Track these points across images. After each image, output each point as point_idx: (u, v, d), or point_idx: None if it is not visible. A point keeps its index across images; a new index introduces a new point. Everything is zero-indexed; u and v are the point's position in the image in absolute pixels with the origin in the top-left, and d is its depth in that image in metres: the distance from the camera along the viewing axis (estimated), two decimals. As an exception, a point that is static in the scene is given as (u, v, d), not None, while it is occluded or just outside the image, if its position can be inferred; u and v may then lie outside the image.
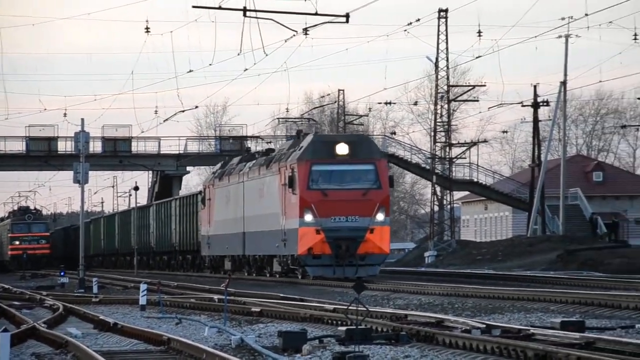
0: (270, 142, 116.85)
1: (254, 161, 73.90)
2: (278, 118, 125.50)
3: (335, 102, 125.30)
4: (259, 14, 54.14)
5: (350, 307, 30.42)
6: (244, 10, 52.15)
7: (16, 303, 52.86)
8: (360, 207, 56.01)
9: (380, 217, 56.71)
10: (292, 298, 45.31)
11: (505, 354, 25.03)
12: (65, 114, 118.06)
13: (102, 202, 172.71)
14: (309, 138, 60.76)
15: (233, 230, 72.84)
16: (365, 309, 30.54)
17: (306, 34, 58.43)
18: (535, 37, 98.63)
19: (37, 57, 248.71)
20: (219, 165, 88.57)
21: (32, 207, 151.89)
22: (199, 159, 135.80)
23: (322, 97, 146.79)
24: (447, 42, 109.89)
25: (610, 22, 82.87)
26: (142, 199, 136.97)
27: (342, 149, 57.86)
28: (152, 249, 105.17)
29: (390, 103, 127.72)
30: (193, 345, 26.83)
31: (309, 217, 55.09)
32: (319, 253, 55.22)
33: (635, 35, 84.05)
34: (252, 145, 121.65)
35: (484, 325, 29.48)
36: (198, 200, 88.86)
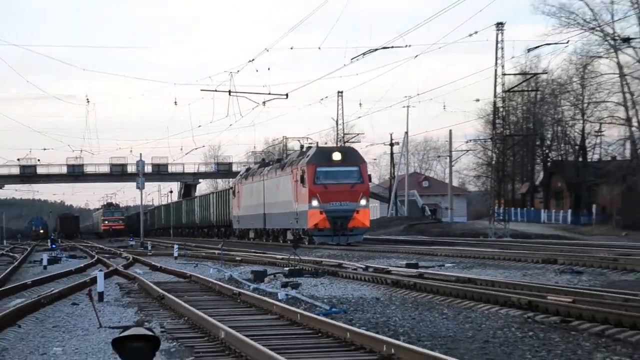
0: (245, 165, 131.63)
1: (269, 167, 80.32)
2: (252, 151, 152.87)
3: (281, 143, 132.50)
4: (238, 94, 73.64)
5: (291, 257, 40.81)
6: (229, 92, 72.04)
7: (106, 255, 64.60)
8: (349, 195, 61.79)
9: (363, 202, 63.66)
10: (261, 252, 54.35)
11: (376, 281, 31.97)
12: (131, 151, 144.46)
13: (152, 200, 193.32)
14: (313, 149, 66.89)
15: (256, 212, 79.62)
16: (298, 257, 40.95)
17: (264, 104, 76.27)
18: (391, 106, 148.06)
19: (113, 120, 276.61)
20: (243, 170, 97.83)
21: (113, 202, 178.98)
22: (205, 175, 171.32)
23: (274, 140, 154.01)
24: (342, 111, 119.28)
25: (431, 99, 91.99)
26: (174, 197, 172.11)
27: (337, 156, 63.93)
28: (197, 225, 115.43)
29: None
30: (204, 278, 34.29)
31: (315, 203, 60.79)
32: (322, 227, 61.11)
33: (444, 106, 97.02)
34: (235, 166, 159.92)
35: (364, 266, 37.60)
36: (230, 193, 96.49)
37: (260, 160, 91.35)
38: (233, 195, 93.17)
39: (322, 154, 64.32)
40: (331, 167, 62.90)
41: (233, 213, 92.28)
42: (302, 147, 77.33)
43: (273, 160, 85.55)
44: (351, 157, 66.49)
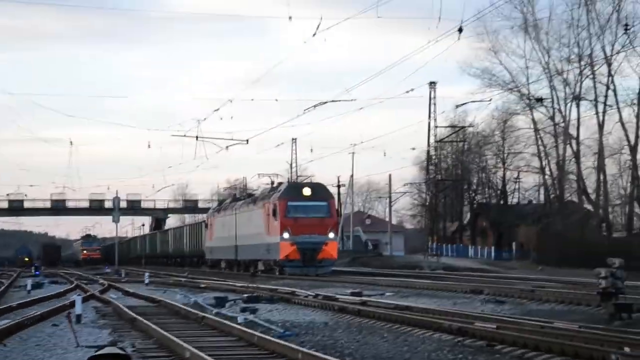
0: (209, 203, 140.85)
1: (241, 201, 76.85)
2: (217, 191, 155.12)
3: (242, 184, 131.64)
4: (204, 139, 73.62)
5: (249, 285, 42.18)
6: (197, 137, 72.62)
7: (84, 281, 61.93)
8: (318, 229, 58.50)
9: (331, 235, 60.03)
10: (222, 280, 54.16)
11: (324, 307, 31.34)
12: (108, 188, 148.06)
13: (126, 232, 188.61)
14: (284, 185, 65.02)
15: (228, 243, 74.91)
16: (255, 285, 39.16)
17: (227, 148, 75.96)
18: (338, 152, 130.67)
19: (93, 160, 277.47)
20: (216, 204, 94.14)
21: (91, 234, 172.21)
22: (174, 211, 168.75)
23: (236, 180, 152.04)
24: (296, 155, 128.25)
25: (373, 146, 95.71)
26: (146, 230, 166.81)
27: (307, 191, 60.84)
28: (170, 254, 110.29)
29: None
30: (171, 303, 33.25)
31: (286, 235, 57.36)
32: (292, 258, 57.61)
33: (385, 153, 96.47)
34: (200, 203, 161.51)
35: (314, 294, 36.34)
36: (202, 226, 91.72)
37: (231, 196, 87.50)
38: (206, 228, 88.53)
39: (293, 189, 61.93)
40: (301, 202, 59.68)
41: (206, 244, 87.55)
42: (272, 182, 74.04)
43: (244, 195, 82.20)
44: (320, 192, 63.42)
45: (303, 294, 36.27)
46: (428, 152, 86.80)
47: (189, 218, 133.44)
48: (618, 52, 76.03)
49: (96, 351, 7.34)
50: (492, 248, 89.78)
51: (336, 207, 66.71)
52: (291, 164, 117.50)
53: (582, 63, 78.70)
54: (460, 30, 39.05)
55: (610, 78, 77.36)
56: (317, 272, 56.78)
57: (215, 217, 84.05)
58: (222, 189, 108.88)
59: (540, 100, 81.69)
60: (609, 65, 76.68)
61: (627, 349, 15.89)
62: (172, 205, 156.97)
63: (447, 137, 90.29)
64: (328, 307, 30.33)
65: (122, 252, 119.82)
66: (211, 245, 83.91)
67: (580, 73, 79.06)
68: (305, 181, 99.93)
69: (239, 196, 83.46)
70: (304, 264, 57.23)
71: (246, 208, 71.29)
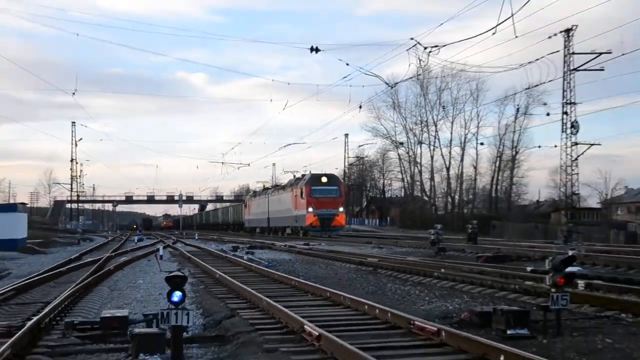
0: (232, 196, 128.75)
1: (271, 189, 66.96)
2: (236, 190, 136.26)
3: (264, 182, 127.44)
4: (226, 163, 70.30)
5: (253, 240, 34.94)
6: (222, 162, 69.59)
7: (164, 238, 58.23)
8: (332, 205, 50.46)
9: (341, 209, 52.34)
10: (235, 237, 52.87)
11: (289, 251, 29.89)
12: (176, 189, 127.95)
13: (186, 213, 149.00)
14: (308, 175, 55.24)
15: (262, 216, 65.66)
16: (255, 240, 37.05)
17: (238, 168, 73.28)
18: (299, 170, 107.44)
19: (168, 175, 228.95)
20: (251, 192, 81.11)
21: (168, 213, 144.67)
22: (210, 201, 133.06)
23: (242, 185, 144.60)
24: (275, 173, 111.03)
25: (314, 166, 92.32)
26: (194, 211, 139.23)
27: (324, 179, 52.66)
28: (219, 224, 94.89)
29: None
30: (209, 249, 31.01)
31: (310, 209, 49.80)
32: (315, 225, 49.81)
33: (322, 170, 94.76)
34: (224, 197, 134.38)
35: (285, 244, 34.29)
36: (242, 206, 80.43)
37: (263, 187, 74.23)
38: (244, 207, 77.54)
39: (315, 178, 53.02)
40: (321, 187, 51.47)
41: (244, 218, 76.59)
42: (294, 176, 63.12)
43: (273, 186, 70.79)
44: (333, 179, 54.93)
45: (279, 244, 34.81)
46: (344, 170, 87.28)
47: (219, 205, 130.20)
48: (439, 119, 78.64)
49: (169, 273, 7.77)
50: (377, 220, 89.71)
51: (343, 190, 58.02)
52: (273, 177, 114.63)
53: (422, 125, 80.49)
54: (360, 107, 39.50)
55: (436, 132, 79.53)
56: (331, 234, 49.60)
57: (251, 200, 73.95)
58: (256, 183, 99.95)
59: (401, 143, 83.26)
60: (435, 125, 78.96)
61: (442, 270, 16.30)
62: (209, 198, 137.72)
63: (353, 163, 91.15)
64: (291, 251, 29.74)
65: (185, 223, 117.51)
66: (249, 218, 73.83)
67: (421, 130, 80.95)
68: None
69: (267, 187, 72.56)
70: (322, 229, 49.92)
71: (276, 193, 62.16)
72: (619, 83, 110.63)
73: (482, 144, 75.53)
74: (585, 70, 39.32)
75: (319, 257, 25.07)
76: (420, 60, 24.65)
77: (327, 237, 47.60)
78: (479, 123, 75.55)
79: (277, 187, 65.42)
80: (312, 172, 56.17)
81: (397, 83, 38.68)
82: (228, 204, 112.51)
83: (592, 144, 41.06)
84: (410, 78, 38.13)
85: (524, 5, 24.99)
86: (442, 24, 76.03)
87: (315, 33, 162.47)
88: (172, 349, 7.27)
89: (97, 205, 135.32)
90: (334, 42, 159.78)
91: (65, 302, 11.60)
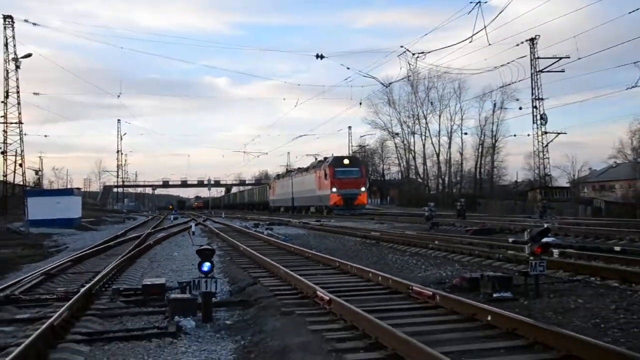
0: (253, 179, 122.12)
1: (294, 171, 61.07)
2: (256, 176, 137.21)
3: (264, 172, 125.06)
4: (247, 152, 65.77)
5: (272, 217, 34.74)
6: (244, 152, 62.77)
7: (196, 216, 57.27)
8: (355, 185, 45.59)
9: (363, 189, 47.22)
10: (257, 216, 45.45)
11: (304, 227, 29.32)
12: (205, 175, 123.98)
13: (215, 194, 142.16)
14: (331, 157, 49.88)
15: (286, 197, 59.63)
16: (274, 217, 36.93)
17: (258, 157, 65.58)
18: (310, 156, 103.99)
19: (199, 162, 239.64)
20: (275, 175, 75.61)
21: (199, 195, 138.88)
22: (234, 185, 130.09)
23: (261, 171, 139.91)
24: (289, 160, 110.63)
25: (323, 152, 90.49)
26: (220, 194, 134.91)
27: (346, 161, 47.98)
28: (245, 204, 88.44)
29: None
30: (234, 226, 30.45)
31: (334, 189, 45.07)
32: (339, 204, 44.99)
33: (332, 154, 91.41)
34: (247, 181, 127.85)
35: (299, 221, 33.26)
36: (267, 187, 74.63)
37: (285, 171, 68.94)
38: (269, 188, 71.04)
39: (338, 160, 48.06)
40: (343, 168, 46.42)
41: (269, 198, 69.65)
42: (316, 159, 58.73)
43: (297, 169, 63.57)
44: (355, 161, 50.38)
45: (294, 221, 34.14)
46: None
47: (242, 188, 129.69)
48: (428, 113, 77.61)
49: (200, 247, 7.78)
50: (379, 200, 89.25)
51: (364, 171, 51.87)
52: (287, 163, 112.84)
53: (414, 118, 79.97)
54: (360, 104, 39.28)
55: (426, 124, 78.99)
56: (354, 212, 44.22)
57: (276, 182, 67.80)
58: (279, 167, 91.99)
59: (397, 134, 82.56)
60: (425, 119, 78.25)
61: (436, 242, 16.15)
62: (234, 182, 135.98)
63: (356, 151, 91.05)
64: (305, 227, 29.36)
65: (213, 204, 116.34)
66: (273, 199, 67.14)
67: (414, 122, 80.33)
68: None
69: (290, 170, 65.98)
70: (345, 207, 45.00)
71: (300, 175, 56.10)
72: (579, 81, 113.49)
73: (466, 133, 76.05)
74: (548, 72, 39.87)
75: (329, 232, 24.86)
76: (409, 64, 25.22)
77: (349, 215, 42.95)
78: (462, 116, 75.59)
79: (301, 170, 59.28)
80: (334, 155, 51.08)
81: (391, 83, 38.96)
82: (250, 187, 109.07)
83: (559, 133, 41.51)
84: (402, 79, 38.36)
85: (494, 19, 26.01)
86: (426, 34, 77.55)
87: (321, 43, 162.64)
88: (202, 312, 7.34)
89: (139, 190, 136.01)
90: (336, 50, 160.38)
91: (112, 272, 11.62)
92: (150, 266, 13.87)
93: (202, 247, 7.77)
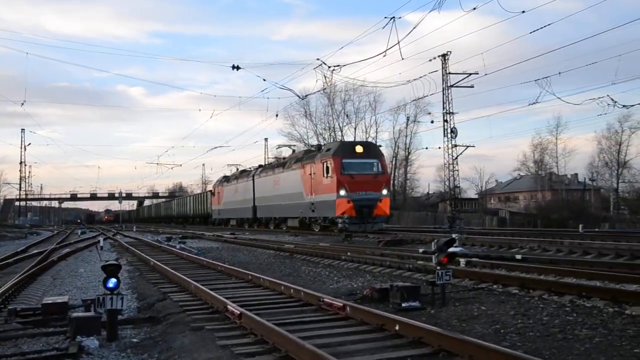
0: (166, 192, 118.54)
1: (258, 170, 44.56)
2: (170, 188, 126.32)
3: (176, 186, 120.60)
4: (161, 164, 62.03)
5: (185, 231, 32.11)
6: (157, 163, 56.25)
7: (105, 230, 45.08)
8: (373, 185, 29.92)
9: (385, 192, 30.39)
10: (170, 228, 30.08)
11: (217, 240, 28.57)
12: (117, 188, 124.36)
13: (125, 208, 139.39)
14: (336, 144, 34.39)
15: (242, 205, 44.91)
16: (186, 230, 33.15)
17: (172, 169, 64.35)
18: (222, 168, 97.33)
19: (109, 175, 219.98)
20: (221, 178, 54.54)
21: (109, 209, 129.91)
22: (147, 198, 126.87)
23: (175, 183, 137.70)
24: (204, 172, 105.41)
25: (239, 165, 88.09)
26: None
27: (359, 149, 31.20)
28: (172, 217, 78.15)
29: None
30: (145, 240, 29.65)
31: (342, 192, 29.27)
32: (349, 215, 29.34)
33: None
34: (160, 194, 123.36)
35: (212, 234, 28.73)
36: (207, 195, 59.97)
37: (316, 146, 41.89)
38: (212, 195, 55.10)
39: (347, 147, 31.92)
40: (356, 158, 30.64)
41: (214, 207, 54.25)
42: (311, 146, 44.82)
43: (258, 166, 47.29)
44: (372, 149, 32.67)
45: (207, 234, 33.62)
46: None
47: (155, 200, 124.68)
48: (344, 126, 78.76)
49: (106, 262, 7.50)
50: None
51: (386, 165, 33.90)
52: (202, 177, 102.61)
53: (330, 130, 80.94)
54: (277, 115, 38.70)
55: (342, 137, 79.91)
56: (373, 228, 29.86)
57: (222, 187, 51.66)
58: (227, 166, 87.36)
59: (313, 146, 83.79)
60: (341, 131, 79.34)
61: (348, 253, 16.27)
62: (147, 195, 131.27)
63: (270, 163, 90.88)
64: (219, 240, 29.01)
65: (125, 217, 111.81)
66: (220, 208, 51.99)
67: (330, 135, 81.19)
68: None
69: (245, 169, 50.15)
70: (360, 220, 29.80)
71: (270, 173, 40.22)
72: (487, 96, 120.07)
73: (380, 146, 77.69)
74: (459, 87, 41.44)
75: (243, 245, 24.61)
76: (325, 77, 25.17)
77: (362, 231, 28.83)
78: (377, 129, 77.10)
79: (270, 166, 43.40)
80: (342, 140, 32.22)
81: (307, 95, 38.65)
82: (176, 196, 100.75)
83: (468, 146, 42.90)
84: (318, 91, 37.91)
85: (407, 35, 27.01)
86: (342, 47, 78.40)
87: (240, 54, 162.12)
88: (107, 331, 7.06)
89: (44, 203, 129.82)
90: (254, 62, 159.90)
91: (9, 291, 10.94)
92: (53, 284, 13.20)
93: (108, 263, 7.50)
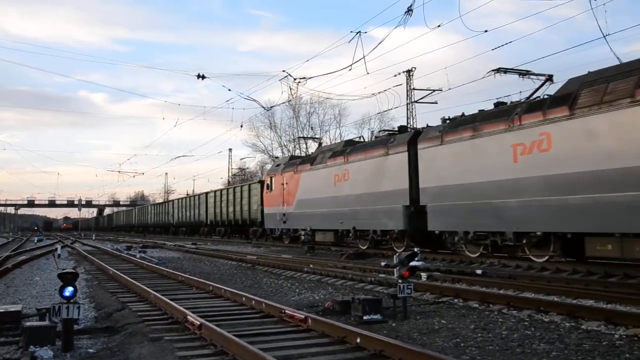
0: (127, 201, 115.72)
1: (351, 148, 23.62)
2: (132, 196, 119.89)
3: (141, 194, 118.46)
4: (123, 172, 60.70)
5: (145, 240, 30.00)
6: (119, 171, 54.82)
7: (62, 238, 49.81)
8: None
9: None
10: (141, 237, 27.64)
11: (179, 250, 27.95)
12: (76, 195, 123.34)
13: (85, 216, 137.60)
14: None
15: (334, 208, 23.98)
16: (148, 241, 31.26)
17: (134, 177, 63.85)
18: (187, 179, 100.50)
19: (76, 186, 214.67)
20: (281, 160, 33.12)
21: (68, 216, 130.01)
22: (107, 206, 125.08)
23: (137, 192, 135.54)
24: (166, 182, 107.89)
25: (221, 177, 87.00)
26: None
27: None
28: (134, 226, 72.82)
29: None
30: (105, 249, 28.03)
31: None
32: None
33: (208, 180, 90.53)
34: (122, 202, 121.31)
35: (174, 244, 30.26)
36: (240, 191, 39.52)
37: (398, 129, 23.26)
38: (267, 190, 30.35)
39: None
40: None
41: (270, 210, 30.39)
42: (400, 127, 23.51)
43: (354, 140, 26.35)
44: None
45: (168, 244, 33.06)
46: (228, 180, 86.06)
47: (116, 209, 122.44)
48: (309, 138, 79.67)
49: (62, 271, 7.33)
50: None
51: None
52: (165, 186, 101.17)
53: (295, 142, 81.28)
54: (241, 126, 38.66)
55: (307, 149, 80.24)
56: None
57: (302, 172, 26.74)
58: (134, 196, 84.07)
59: (277, 157, 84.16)
60: (306, 143, 79.91)
61: (311, 266, 16.33)
62: (108, 203, 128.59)
63: (236, 174, 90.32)
64: (180, 250, 28.67)
65: (84, 225, 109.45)
66: (290, 211, 28.02)
67: (294, 147, 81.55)
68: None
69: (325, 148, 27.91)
70: None
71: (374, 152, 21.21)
72: (450, 112, 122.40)
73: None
74: (423, 102, 42.07)
75: (205, 255, 24.44)
76: (291, 89, 25.11)
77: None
78: (343, 141, 78.40)
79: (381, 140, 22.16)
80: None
81: (272, 107, 38.74)
82: (140, 204, 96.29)
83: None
84: (284, 103, 37.34)
85: (372, 49, 27.53)
86: (308, 60, 78.77)
87: (206, 63, 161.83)
88: (62, 340, 6.88)
89: (0, 209, 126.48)
90: (219, 71, 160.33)
91: (-40, 299, 10.68)
92: (6, 292, 12.81)
93: (65, 271, 7.33)
